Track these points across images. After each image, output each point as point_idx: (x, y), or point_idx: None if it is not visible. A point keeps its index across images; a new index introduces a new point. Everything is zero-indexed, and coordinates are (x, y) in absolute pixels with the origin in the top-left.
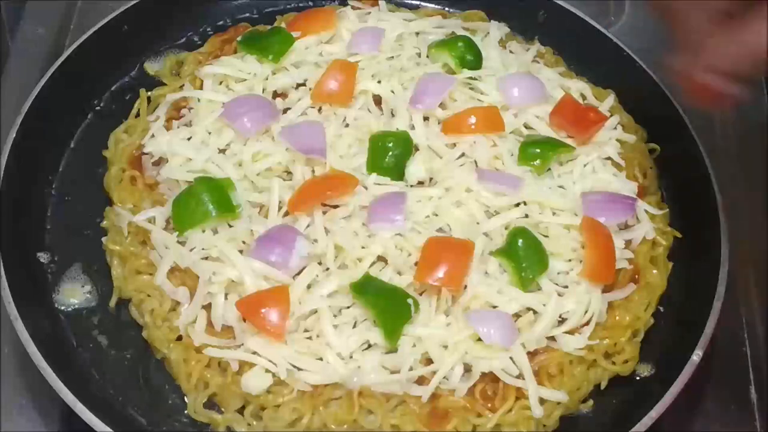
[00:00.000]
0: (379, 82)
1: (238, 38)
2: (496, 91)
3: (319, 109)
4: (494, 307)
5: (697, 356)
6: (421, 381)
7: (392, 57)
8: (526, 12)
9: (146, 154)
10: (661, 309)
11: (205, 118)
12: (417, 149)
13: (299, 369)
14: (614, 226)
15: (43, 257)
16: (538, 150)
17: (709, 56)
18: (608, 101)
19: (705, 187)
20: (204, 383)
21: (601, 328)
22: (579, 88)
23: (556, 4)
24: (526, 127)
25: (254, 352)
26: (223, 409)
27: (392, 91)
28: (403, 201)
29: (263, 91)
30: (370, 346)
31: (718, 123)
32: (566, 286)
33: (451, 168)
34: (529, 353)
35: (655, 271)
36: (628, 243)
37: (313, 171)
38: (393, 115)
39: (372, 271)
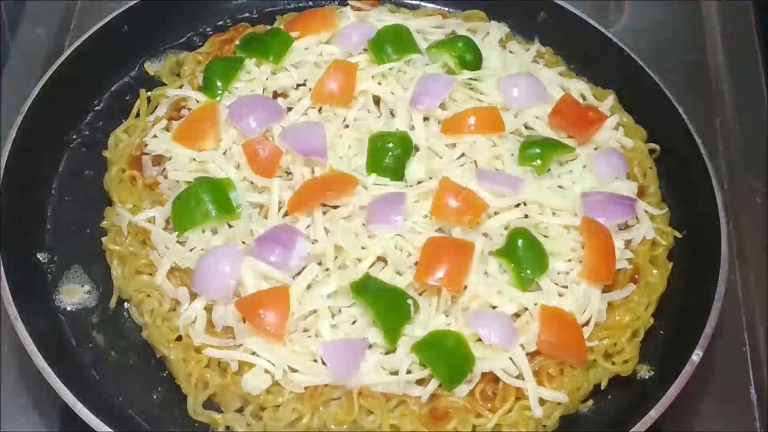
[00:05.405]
0: (379, 82)
1: (237, 43)
2: (496, 92)
3: (320, 110)
4: (494, 307)
5: (697, 356)
6: (420, 381)
7: None
8: (526, 12)
9: (146, 154)
10: (661, 309)
11: None
12: (417, 149)
13: (295, 371)
14: (614, 226)
15: (43, 257)
16: (538, 150)
17: None
18: (608, 101)
19: (705, 187)
20: (204, 383)
21: (600, 328)
22: (579, 88)
23: (556, 4)
24: (526, 127)
25: (253, 353)
26: (222, 409)
27: (392, 92)
28: (403, 201)
29: (263, 91)
30: (369, 346)
31: (718, 123)
32: (566, 287)
33: (451, 168)
34: (528, 353)
35: (655, 271)
36: (628, 243)
37: (313, 171)
38: (393, 116)
39: (372, 271)
